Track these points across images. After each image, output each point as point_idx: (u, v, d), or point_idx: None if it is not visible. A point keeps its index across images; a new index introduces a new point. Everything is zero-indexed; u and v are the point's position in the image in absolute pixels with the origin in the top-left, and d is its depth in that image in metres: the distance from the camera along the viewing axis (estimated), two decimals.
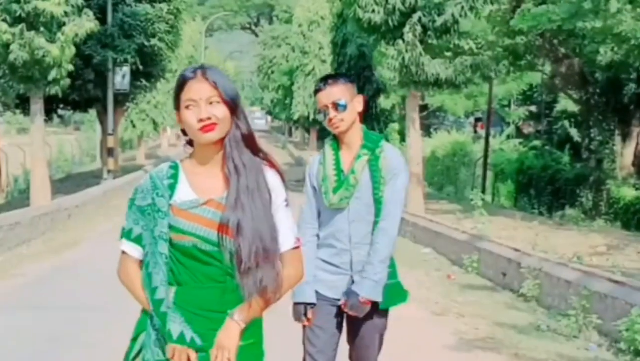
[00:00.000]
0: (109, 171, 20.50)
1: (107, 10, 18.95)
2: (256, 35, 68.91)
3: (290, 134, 61.68)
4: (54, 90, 15.25)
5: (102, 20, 18.00)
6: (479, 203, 11.67)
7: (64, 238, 12.21)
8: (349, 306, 3.45)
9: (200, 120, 2.34)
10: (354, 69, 24.20)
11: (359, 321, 3.53)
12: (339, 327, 3.62)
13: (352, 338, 3.64)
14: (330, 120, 3.47)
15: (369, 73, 23.34)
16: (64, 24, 14.62)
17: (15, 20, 14.19)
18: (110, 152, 20.65)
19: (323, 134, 38.58)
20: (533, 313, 7.29)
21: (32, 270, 9.51)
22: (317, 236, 3.60)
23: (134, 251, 2.44)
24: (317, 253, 3.57)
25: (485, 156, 22.83)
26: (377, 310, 3.51)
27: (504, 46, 17.37)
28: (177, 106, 2.41)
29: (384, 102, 26.22)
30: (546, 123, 31.04)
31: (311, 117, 35.10)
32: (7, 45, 14.20)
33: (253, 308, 2.36)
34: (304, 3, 37.48)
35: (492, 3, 16.76)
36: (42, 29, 14.39)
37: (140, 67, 20.25)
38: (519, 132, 33.98)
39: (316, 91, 3.59)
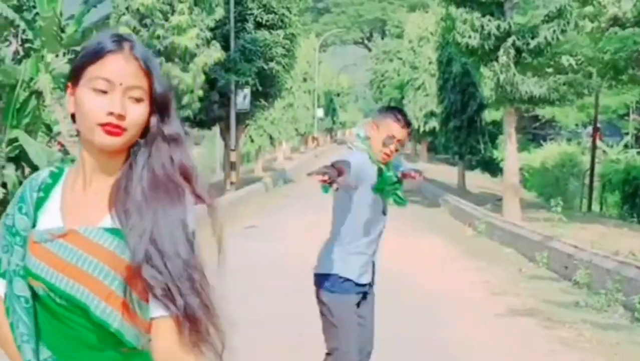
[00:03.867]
0: (231, 183, 23.32)
1: (230, 38, 21.75)
2: (369, 49, 71.39)
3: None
4: (187, 113, 18.19)
5: (225, 47, 20.81)
6: (558, 210, 13.68)
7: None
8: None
9: (110, 114, 1.63)
10: (459, 85, 26.18)
11: (372, 305, 4.38)
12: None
13: (363, 324, 4.29)
14: (390, 152, 4.16)
15: (473, 89, 25.30)
16: (196, 55, 17.46)
17: (155, 54, 17.12)
18: (232, 166, 23.48)
19: (433, 145, 40.56)
20: (579, 295, 9.28)
21: None
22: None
23: (3, 289, 1.76)
24: (348, 246, 4.20)
25: (592, 167, 24.17)
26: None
27: (605, 62, 18.84)
28: (75, 78, 1.70)
29: (493, 114, 27.93)
30: None
31: (421, 129, 37.15)
32: None
33: None
34: (414, 19, 39.75)
35: (591, 21, 18.50)
36: (177, 60, 17.27)
37: (259, 88, 22.97)
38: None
39: (397, 119, 4.20)
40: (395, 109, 4.39)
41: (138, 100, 1.67)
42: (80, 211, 1.71)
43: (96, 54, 1.67)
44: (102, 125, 1.65)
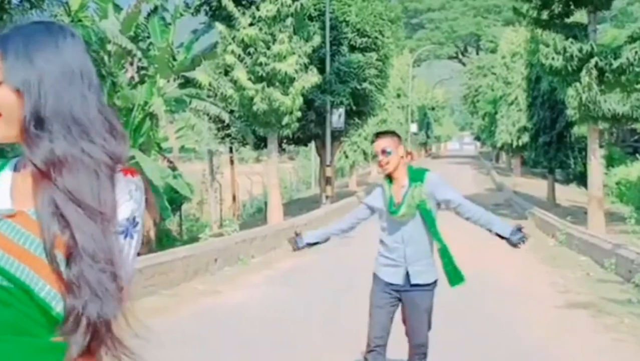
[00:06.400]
0: (327, 197, 25.39)
1: (326, 61, 23.87)
2: (463, 64, 72.75)
3: (497, 159, 64.90)
4: (286, 132, 20.41)
5: (321, 69, 22.91)
6: (632, 221, 15.23)
7: None
8: (517, 242, 5.24)
9: None
10: (547, 102, 27.63)
11: (412, 304, 5.26)
12: (393, 310, 5.35)
13: (406, 318, 5.33)
14: (380, 162, 5.23)
15: (562, 106, 26.66)
16: (295, 79, 19.59)
17: (258, 79, 19.36)
18: (328, 180, 25.57)
19: (528, 160, 41.65)
20: (634, 294, 10.82)
21: (280, 266, 14.27)
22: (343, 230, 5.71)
23: None
24: (381, 251, 5.41)
25: None
26: (426, 293, 5.27)
27: None
28: None
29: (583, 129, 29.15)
30: None
31: (514, 144, 38.43)
32: (251, 99, 19.43)
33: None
34: (507, 35, 41.16)
35: None
36: (277, 84, 19.44)
37: (354, 107, 25.03)
38: None
39: (374, 138, 5.37)
40: (378, 132, 5.72)
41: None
42: (30, 194, 1.69)
43: None
44: None
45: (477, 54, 69.44)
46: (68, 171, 1.64)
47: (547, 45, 19.67)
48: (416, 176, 5.23)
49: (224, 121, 25.35)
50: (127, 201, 1.70)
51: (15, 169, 1.77)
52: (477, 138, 76.17)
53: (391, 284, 5.29)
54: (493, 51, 54.24)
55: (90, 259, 1.61)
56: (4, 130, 1.66)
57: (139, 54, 21.38)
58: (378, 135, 5.38)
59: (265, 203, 24.54)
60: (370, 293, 5.43)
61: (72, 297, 1.61)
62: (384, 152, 5.16)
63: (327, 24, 23.37)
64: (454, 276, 5.30)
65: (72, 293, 1.61)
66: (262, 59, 19.01)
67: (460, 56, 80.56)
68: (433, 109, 73.83)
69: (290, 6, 19.00)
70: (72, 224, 1.61)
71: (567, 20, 20.52)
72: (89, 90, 1.70)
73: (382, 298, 5.32)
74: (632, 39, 19.19)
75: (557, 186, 32.30)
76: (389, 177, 5.28)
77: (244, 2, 19.83)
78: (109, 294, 1.62)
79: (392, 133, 5.42)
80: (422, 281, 5.26)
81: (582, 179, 36.36)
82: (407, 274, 5.26)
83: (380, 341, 5.30)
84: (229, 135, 27.74)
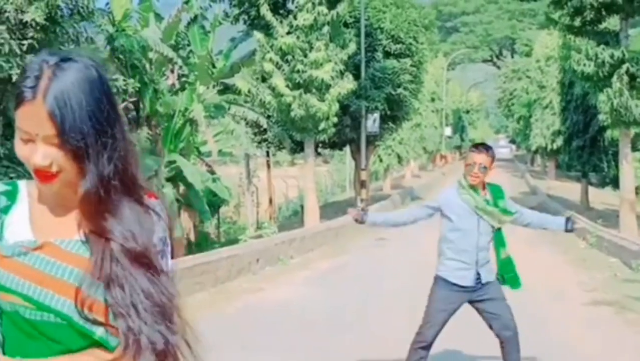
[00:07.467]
0: (362, 200, 26.07)
1: (361, 67, 24.58)
2: (498, 67, 73.03)
3: (532, 163, 65.13)
4: (322, 137, 21.18)
5: (356, 75, 23.59)
6: None
7: (334, 249, 17.72)
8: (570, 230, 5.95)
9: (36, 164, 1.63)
10: (581, 106, 28.09)
11: (491, 298, 5.78)
12: (454, 311, 5.82)
13: (486, 313, 5.84)
14: (474, 174, 5.57)
15: (595, 110, 27.10)
16: (331, 86, 20.33)
17: (295, 86, 20.12)
18: (362, 184, 26.28)
19: (562, 163, 41.99)
20: None
21: (318, 266, 15.02)
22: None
23: None
24: (449, 255, 5.78)
25: None
26: (497, 285, 5.85)
27: None
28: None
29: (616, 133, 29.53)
30: None
31: (549, 147, 38.85)
32: (289, 105, 20.20)
33: None
34: (542, 39, 41.61)
35: None
36: (314, 91, 20.19)
37: (388, 112, 25.72)
38: None
39: (474, 149, 5.69)
40: (477, 144, 5.95)
41: (58, 145, 1.61)
42: (51, 225, 1.72)
43: (17, 101, 1.64)
44: (35, 172, 1.65)
45: (512, 57, 69.69)
46: (130, 233, 1.69)
47: (579, 52, 20.18)
48: (497, 192, 5.82)
49: (261, 126, 26.16)
50: (158, 222, 1.75)
51: (29, 195, 1.77)
52: (512, 141, 76.50)
53: (462, 286, 5.76)
54: (528, 55, 54.62)
55: (142, 294, 1.66)
56: (59, 185, 1.67)
57: (180, 61, 22.26)
58: (480, 149, 5.70)
59: (301, 206, 25.28)
60: (432, 295, 5.88)
61: (123, 320, 1.64)
62: (479, 167, 5.59)
63: (362, 31, 24.08)
64: (515, 282, 5.98)
65: (121, 317, 1.64)
66: (299, 67, 19.75)
67: (495, 59, 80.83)
68: (468, 112, 74.07)
69: (326, 15, 19.73)
70: (127, 269, 1.66)
71: (600, 27, 21.00)
72: (120, 114, 1.71)
73: (448, 300, 5.79)
74: None
75: (592, 189, 32.67)
76: (472, 186, 5.72)
77: (281, 12, 20.64)
78: (163, 322, 1.67)
79: (491, 150, 5.75)
80: (490, 279, 5.84)
81: (616, 182, 36.62)
82: (478, 276, 5.76)
83: (434, 340, 5.85)
84: (266, 140, 28.54)
